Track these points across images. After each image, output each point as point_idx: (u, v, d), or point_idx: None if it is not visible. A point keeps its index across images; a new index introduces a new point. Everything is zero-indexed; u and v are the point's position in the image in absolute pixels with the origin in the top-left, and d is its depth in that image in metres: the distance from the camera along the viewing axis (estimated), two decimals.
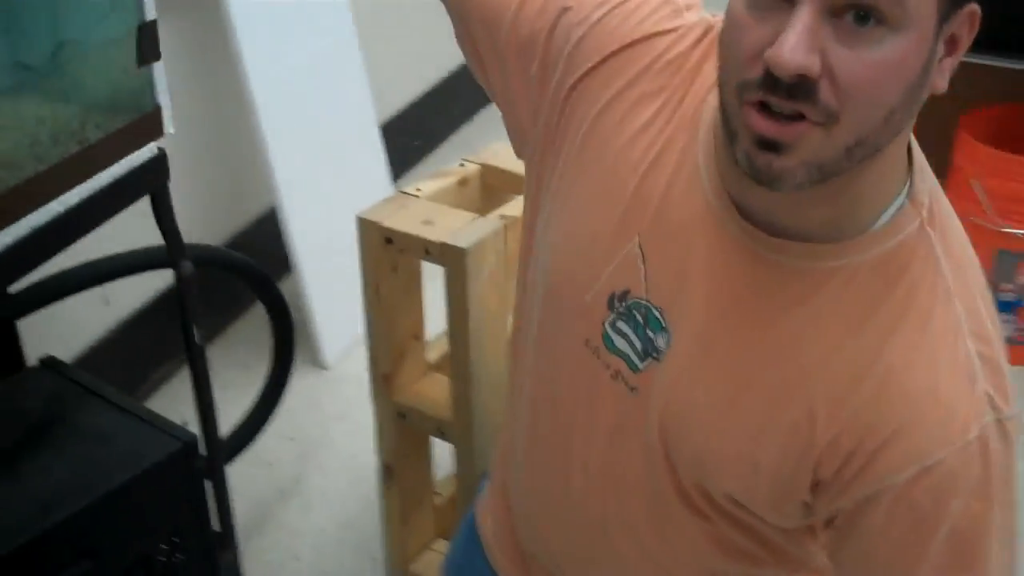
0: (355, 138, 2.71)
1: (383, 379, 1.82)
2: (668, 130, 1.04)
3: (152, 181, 1.48)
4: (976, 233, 1.59)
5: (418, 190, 1.77)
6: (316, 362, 2.52)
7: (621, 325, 1.06)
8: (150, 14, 1.41)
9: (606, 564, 1.18)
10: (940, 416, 0.95)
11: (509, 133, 1.19)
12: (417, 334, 1.84)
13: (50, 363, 1.65)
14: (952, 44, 0.90)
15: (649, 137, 1.05)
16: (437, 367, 1.88)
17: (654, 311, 1.04)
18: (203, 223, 2.42)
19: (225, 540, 1.78)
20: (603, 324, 1.07)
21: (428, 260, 1.69)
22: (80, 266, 1.70)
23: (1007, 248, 2.49)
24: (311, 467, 2.30)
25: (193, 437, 1.52)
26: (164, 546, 1.51)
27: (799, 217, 0.96)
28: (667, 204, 1.03)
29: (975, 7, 0.90)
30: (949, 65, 0.91)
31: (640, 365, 1.06)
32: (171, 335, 1.81)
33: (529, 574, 1.31)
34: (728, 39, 0.90)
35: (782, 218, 0.97)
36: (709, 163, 1.01)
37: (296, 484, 2.26)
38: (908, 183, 0.98)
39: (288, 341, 2.05)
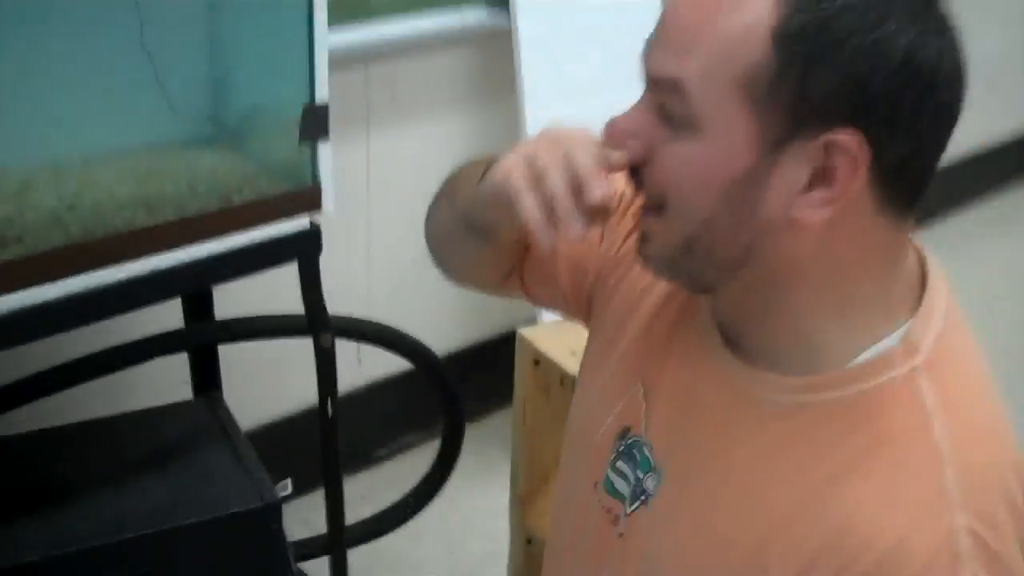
0: None
1: (519, 500, 1.79)
2: None
3: (300, 251, 1.55)
4: None
5: None
6: None
7: (621, 465, 1.03)
8: (321, 98, 1.49)
9: None
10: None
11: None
12: None
13: (211, 398, 1.78)
14: (825, 176, 0.83)
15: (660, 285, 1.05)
16: None
17: (646, 450, 1.00)
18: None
19: None
20: (607, 464, 1.04)
21: (563, 389, 1.64)
22: (237, 319, 1.81)
23: None
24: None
25: (275, 500, 1.57)
26: None
27: (754, 339, 0.93)
28: (672, 338, 1.02)
29: (844, 140, 0.81)
30: (828, 199, 0.84)
31: (630, 509, 1.02)
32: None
33: None
34: None
35: (744, 340, 0.94)
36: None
37: None
38: (906, 327, 0.89)
39: (455, 416, 2.03)
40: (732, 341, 0.95)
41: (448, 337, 2.59)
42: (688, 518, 0.95)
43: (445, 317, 2.61)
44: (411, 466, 2.26)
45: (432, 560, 2.27)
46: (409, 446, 2.51)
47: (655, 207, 0.88)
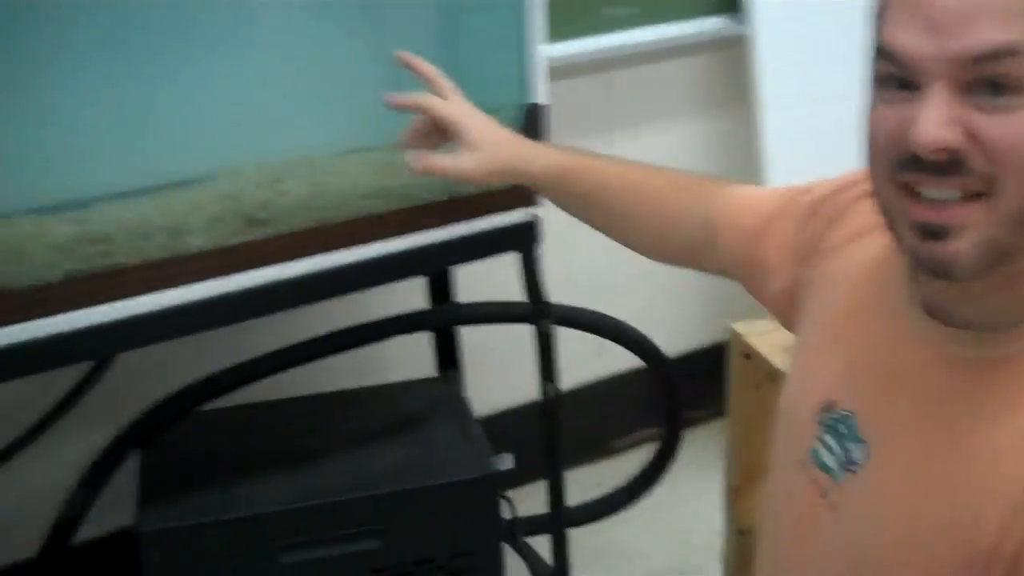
0: None
1: (732, 493, 1.84)
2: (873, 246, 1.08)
3: (519, 241, 1.68)
4: None
5: None
6: None
7: (828, 438, 1.06)
8: (541, 99, 1.61)
9: None
10: None
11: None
12: None
13: (449, 377, 1.94)
14: None
15: (859, 254, 1.09)
16: None
17: (851, 421, 1.04)
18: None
19: None
20: (813, 439, 1.08)
21: (772, 384, 1.69)
22: (467, 303, 1.95)
23: None
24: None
25: (496, 471, 1.69)
26: (448, 556, 1.71)
27: (977, 307, 0.95)
28: (873, 313, 1.05)
29: None
30: None
31: (840, 479, 1.05)
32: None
33: None
34: (870, 138, 0.93)
35: (962, 309, 0.96)
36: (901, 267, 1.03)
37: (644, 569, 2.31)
38: None
39: (675, 414, 2.10)
40: (934, 311, 0.98)
41: (682, 336, 2.67)
42: (899, 481, 0.97)
43: (677, 316, 2.68)
44: (647, 459, 2.33)
45: (659, 550, 2.34)
46: (646, 440, 2.59)
47: (976, 194, 0.88)
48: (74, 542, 1.78)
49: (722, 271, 1.27)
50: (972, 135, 0.86)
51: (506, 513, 1.84)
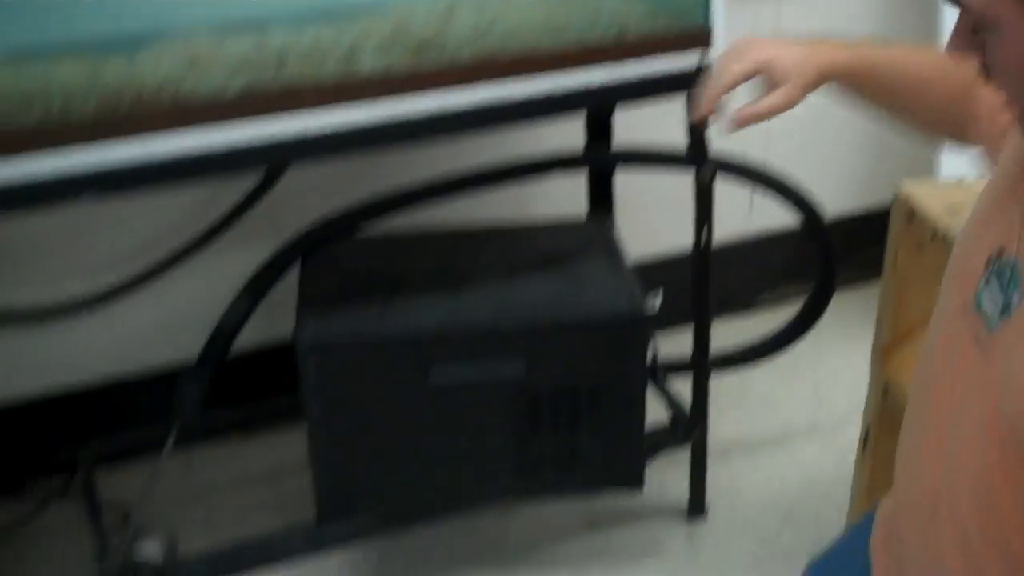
0: None
1: (881, 350, 1.82)
2: None
3: (686, 85, 1.66)
4: None
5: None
6: None
7: (992, 283, 1.06)
8: None
9: (931, 553, 1.15)
10: None
11: None
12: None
13: (601, 218, 1.95)
14: None
15: None
16: None
17: (1018, 267, 1.03)
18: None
19: (692, 424, 1.97)
20: (979, 283, 1.08)
21: (934, 245, 1.66)
22: (626, 146, 1.94)
23: None
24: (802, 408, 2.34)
25: (644, 311, 1.71)
26: (590, 388, 1.75)
27: None
28: None
29: None
30: None
31: (995, 327, 1.05)
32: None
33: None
34: None
35: None
36: None
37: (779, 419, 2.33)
38: None
39: (828, 269, 2.07)
40: None
41: (843, 197, 2.62)
42: None
43: (840, 178, 2.63)
44: (793, 314, 2.33)
45: (797, 404, 2.36)
46: (793, 296, 2.57)
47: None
48: (236, 351, 1.87)
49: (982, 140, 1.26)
50: None
51: (650, 353, 1.87)
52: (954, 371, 1.09)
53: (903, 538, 1.21)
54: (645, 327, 1.73)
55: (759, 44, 1.27)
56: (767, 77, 1.27)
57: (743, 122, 1.27)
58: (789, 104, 1.27)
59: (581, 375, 1.75)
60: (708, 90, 1.27)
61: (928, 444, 1.13)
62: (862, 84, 1.31)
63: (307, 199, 1.99)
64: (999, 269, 1.05)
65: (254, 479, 2.19)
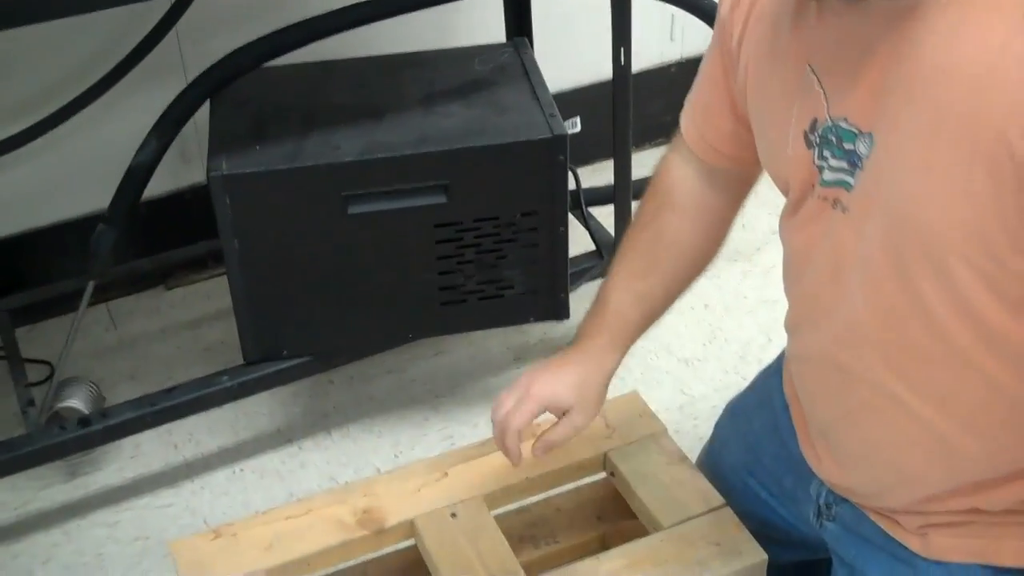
0: None
1: None
2: None
3: None
4: None
5: None
6: None
7: (826, 154, 1.04)
8: None
9: (860, 425, 1.15)
10: None
11: None
12: None
13: (519, 43, 1.91)
14: None
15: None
16: None
17: (841, 124, 1.02)
18: None
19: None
20: (812, 164, 1.06)
21: None
22: None
23: None
24: None
25: (563, 133, 1.69)
26: (511, 216, 1.74)
27: None
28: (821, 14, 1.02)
29: None
30: None
31: (853, 183, 1.04)
32: None
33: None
34: None
35: None
36: None
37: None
38: None
39: None
40: None
41: None
42: (917, 139, 0.94)
43: None
44: None
45: None
46: None
47: None
48: (150, 196, 1.83)
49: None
50: None
51: (572, 183, 1.86)
52: (826, 247, 1.07)
53: (809, 386, 1.23)
54: (565, 151, 1.71)
55: (536, 385, 1.30)
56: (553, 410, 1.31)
57: (547, 450, 1.32)
58: (583, 427, 1.32)
59: (503, 203, 1.74)
60: (506, 444, 1.30)
61: (819, 308, 1.13)
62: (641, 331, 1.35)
63: (216, 35, 1.93)
64: (824, 138, 1.03)
65: (178, 329, 2.17)
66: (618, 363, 1.35)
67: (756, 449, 1.42)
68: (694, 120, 1.27)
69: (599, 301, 1.34)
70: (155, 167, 1.76)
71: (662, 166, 1.34)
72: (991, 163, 0.89)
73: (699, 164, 1.29)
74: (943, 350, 1.01)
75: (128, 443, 1.90)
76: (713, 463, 1.49)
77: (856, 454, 1.17)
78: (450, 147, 1.68)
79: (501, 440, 1.32)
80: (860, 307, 1.05)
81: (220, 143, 1.68)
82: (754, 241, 2.31)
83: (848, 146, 1.01)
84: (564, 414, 1.31)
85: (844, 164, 1.02)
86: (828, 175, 1.04)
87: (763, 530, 1.37)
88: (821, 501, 1.29)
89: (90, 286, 1.78)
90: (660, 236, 1.32)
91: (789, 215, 1.15)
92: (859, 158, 1.00)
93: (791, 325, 1.23)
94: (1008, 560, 1.11)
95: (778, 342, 1.47)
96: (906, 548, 1.17)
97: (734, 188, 1.31)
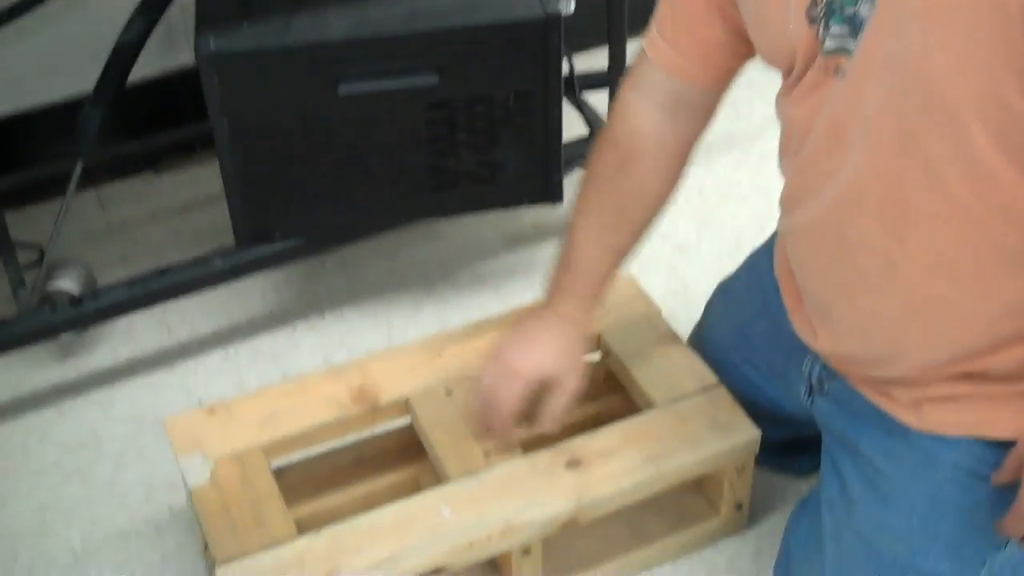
0: None
1: None
2: None
3: None
4: None
5: None
6: None
7: (832, 26, 1.03)
8: None
9: (858, 296, 1.16)
10: None
11: None
12: None
13: None
14: None
15: None
16: None
17: None
18: None
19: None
20: (815, 39, 1.05)
21: None
22: None
23: None
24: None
25: (557, 13, 1.67)
26: (504, 97, 1.71)
27: None
28: None
29: None
30: None
31: (853, 47, 1.03)
32: None
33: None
34: None
35: None
36: None
37: None
38: None
39: None
40: None
41: None
42: None
43: None
44: None
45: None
46: None
47: None
48: (138, 80, 1.80)
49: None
50: None
51: (566, 65, 1.83)
52: (828, 110, 1.07)
53: (806, 259, 1.23)
54: (559, 30, 1.68)
55: (519, 360, 1.28)
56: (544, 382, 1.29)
57: (555, 423, 1.32)
58: (578, 390, 1.32)
59: (496, 84, 1.71)
60: (498, 423, 1.30)
61: (818, 176, 1.13)
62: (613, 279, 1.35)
63: None
64: (827, 11, 1.01)
65: (169, 213, 2.16)
66: (593, 316, 1.34)
67: (746, 329, 1.43)
68: (667, 37, 1.25)
69: (567, 257, 1.33)
70: (141, 46, 1.73)
71: (619, 111, 1.32)
72: (997, 6, 0.87)
73: (663, 97, 1.27)
74: (946, 211, 1.01)
75: (121, 325, 1.90)
76: (703, 343, 1.50)
77: (853, 326, 1.18)
78: (442, 25, 1.65)
79: (488, 419, 1.31)
80: (860, 172, 1.05)
81: (207, 22, 1.65)
82: (749, 130, 2.30)
83: (850, 10, 1.00)
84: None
85: (845, 30, 1.01)
86: (829, 43, 1.04)
87: (750, 409, 1.39)
88: (813, 378, 1.30)
89: (78, 167, 1.76)
90: (627, 188, 1.31)
91: (787, 91, 1.15)
92: (861, 21, 0.99)
93: (787, 200, 1.23)
94: (1001, 432, 1.13)
95: (771, 230, 1.47)
96: (899, 422, 1.18)
97: (698, 118, 1.30)
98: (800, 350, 1.31)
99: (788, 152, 1.20)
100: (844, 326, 1.19)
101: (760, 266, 1.44)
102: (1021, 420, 1.11)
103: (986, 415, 1.13)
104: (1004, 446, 1.12)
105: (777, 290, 1.36)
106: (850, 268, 1.13)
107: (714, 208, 2.15)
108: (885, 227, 1.05)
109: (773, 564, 1.40)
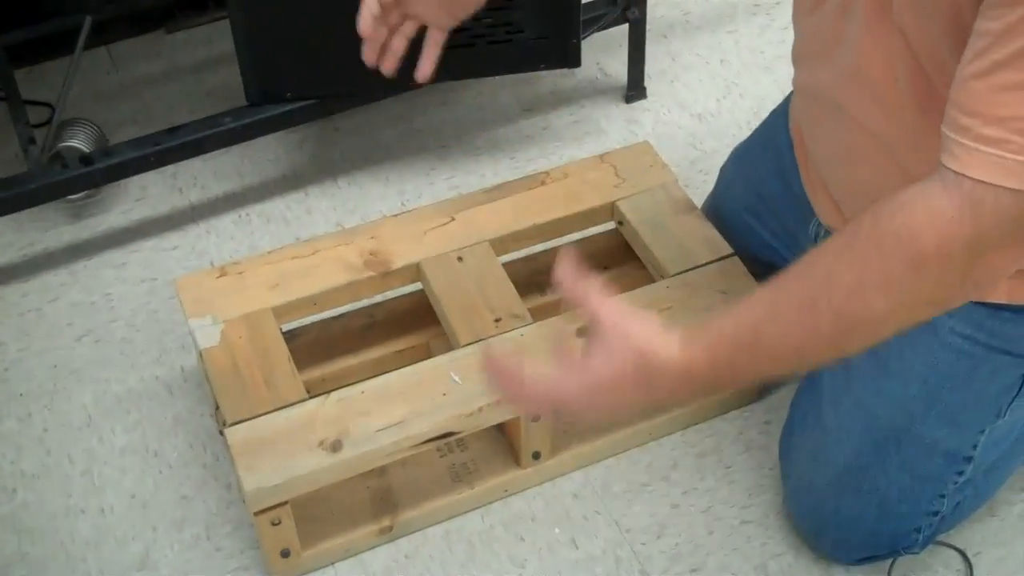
0: None
1: None
2: None
3: None
4: None
5: None
6: None
7: None
8: None
9: (854, 167, 1.15)
10: None
11: None
12: None
13: None
14: None
15: None
16: None
17: None
18: None
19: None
20: None
21: None
22: None
23: None
24: None
25: None
26: None
27: None
28: None
29: None
30: None
31: None
32: None
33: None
34: None
35: None
36: None
37: None
38: None
39: None
40: None
41: None
42: None
43: None
44: None
45: None
46: None
47: None
48: None
49: None
50: None
51: None
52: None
53: (811, 121, 1.21)
54: None
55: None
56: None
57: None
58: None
59: None
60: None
61: (825, 44, 1.11)
62: None
63: None
64: None
65: (180, 73, 2.12)
66: None
67: (760, 189, 1.41)
68: None
69: None
70: None
71: None
72: None
73: None
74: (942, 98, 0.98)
75: (133, 186, 1.88)
76: (718, 206, 1.49)
77: (849, 192, 1.17)
78: None
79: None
80: (859, 46, 1.03)
81: None
82: None
83: None
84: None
85: None
86: None
87: (767, 274, 1.37)
88: (819, 240, 1.28)
89: (87, 22, 1.72)
90: None
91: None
92: None
93: (797, 55, 1.22)
94: (999, 296, 1.12)
95: None
96: None
97: None
98: (809, 211, 1.29)
99: (804, 7, 1.17)
100: (841, 191, 1.19)
101: (776, 125, 1.41)
102: (1016, 285, 1.10)
103: None
104: (1000, 311, 1.11)
105: (791, 148, 1.34)
106: (847, 139, 1.12)
107: (736, 76, 2.10)
108: (882, 109, 1.04)
109: (780, 434, 1.41)
